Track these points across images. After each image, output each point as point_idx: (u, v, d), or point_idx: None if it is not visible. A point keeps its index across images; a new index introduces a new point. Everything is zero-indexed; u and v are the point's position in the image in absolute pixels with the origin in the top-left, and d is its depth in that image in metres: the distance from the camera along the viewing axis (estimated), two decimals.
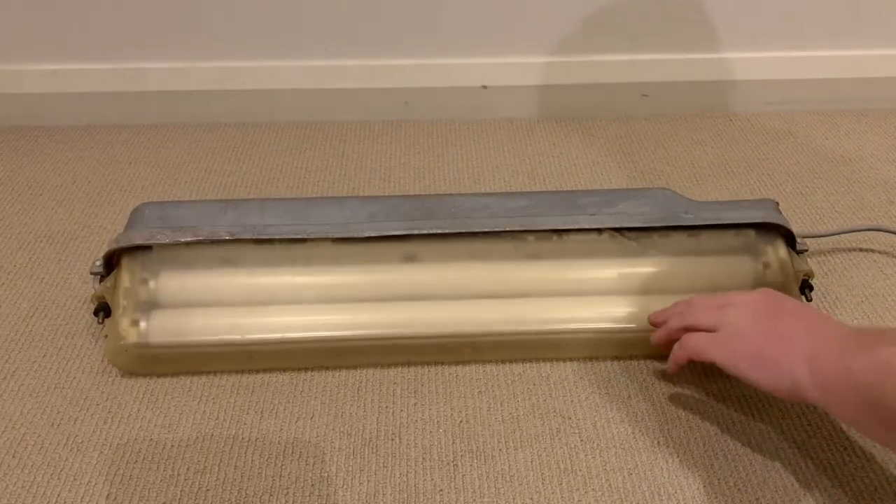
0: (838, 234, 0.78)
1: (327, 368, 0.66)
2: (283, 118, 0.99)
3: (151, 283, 0.65)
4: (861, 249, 0.78)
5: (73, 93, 0.96)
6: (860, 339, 0.50)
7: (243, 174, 0.90)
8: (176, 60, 0.96)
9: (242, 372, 0.65)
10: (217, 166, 0.91)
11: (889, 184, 0.88)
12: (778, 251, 0.67)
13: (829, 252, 0.78)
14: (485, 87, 0.98)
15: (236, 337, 0.64)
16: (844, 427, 0.61)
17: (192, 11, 0.92)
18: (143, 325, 0.64)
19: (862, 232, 0.79)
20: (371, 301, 0.66)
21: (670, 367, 0.61)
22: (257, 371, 0.65)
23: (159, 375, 0.65)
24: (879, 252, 0.78)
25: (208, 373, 0.65)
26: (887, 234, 0.79)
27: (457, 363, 0.66)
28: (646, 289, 0.66)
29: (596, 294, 0.67)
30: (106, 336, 0.64)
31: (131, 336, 0.63)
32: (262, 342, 0.64)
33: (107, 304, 0.65)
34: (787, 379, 0.52)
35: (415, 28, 0.95)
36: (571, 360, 0.66)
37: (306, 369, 0.66)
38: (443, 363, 0.66)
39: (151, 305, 0.65)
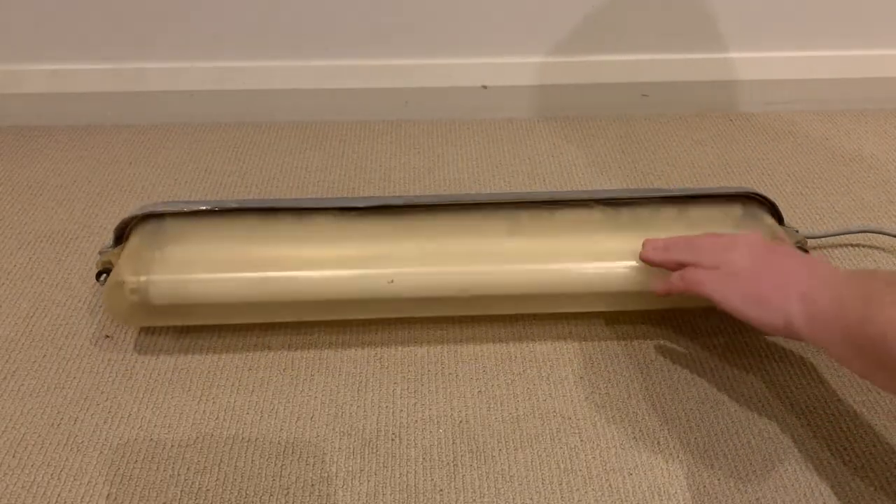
0: (836, 234, 0.78)
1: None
2: (283, 118, 0.99)
3: (157, 253, 0.66)
4: (861, 249, 0.78)
5: (73, 93, 0.96)
6: (854, 275, 0.52)
7: (243, 174, 0.90)
8: (176, 60, 0.96)
9: (242, 372, 0.65)
10: (217, 166, 0.91)
11: (889, 184, 0.88)
12: (765, 221, 0.69)
13: (828, 252, 0.78)
14: (485, 87, 0.98)
15: (237, 275, 0.64)
16: (845, 427, 0.61)
17: (192, 11, 0.92)
18: (143, 277, 0.64)
19: (862, 233, 0.79)
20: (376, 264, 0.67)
21: (660, 289, 0.61)
22: (258, 371, 0.65)
23: (158, 326, 0.66)
24: (879, 252, 0.78)
25: (209, 372, 0.65)
26: (887, 235, 0.79)
27: (457, 363, 0.66)
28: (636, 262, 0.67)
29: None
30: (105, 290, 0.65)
31: (130, 280, 0.63)
32: (265, 280, 0.64)
33: (111, 268, 0.66)
34: (780, 316, 0.53)
35: (415, 28, 0.95)
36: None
37: (306, 369, 0.66)
38: (443, 322, 0.67)
39: (156, 266, 0.65)
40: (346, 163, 0.92)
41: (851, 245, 0.78)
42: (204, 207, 0.68)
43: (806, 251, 0.68)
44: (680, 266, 0.60)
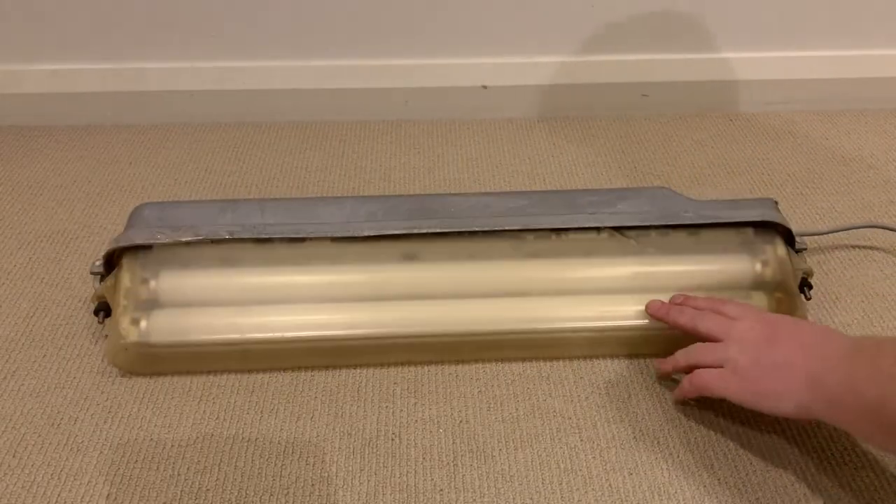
0: (836, 231, 0.78)
1: (327, 368, 0.66)
2: (283, 118, 0.99)
3: (152, 283, 0.65)
4: (860, 248, 0.78)
5: (73, 93, 0.96)
6: (859, 352, 0.52)
7: (243, 174, 0.90)
8: (176, 60, 0.96)
9: (242, 371, 0.65)
10: (217, 166, 0.91)
11: (889, 184, 0.88)
12: (776, 249, 0.67)
13: (828, 251, 0.78)
14: (485, 87, 0.98)
15: (236, 336, 0.64)
16: None
17: (192, 11, 0.92)
18: (143, 324, 0.64)
19: (861, 231, 0.79)
20: (371, 300, 0.66)
21: (677, 398, 0.62)
22: (257, 371, 0.65)
23: (159, 375, 0.65)
24: (879, 251, 0.78)
25: (208, 372, 0.65)
26: (887, 232, 0.79)
27: (457, 363, 0.66)
28: (645, 287, 0.66)
29: (595, 293, 0.67)
30: (107, 336, 0.65)
31: (132, 335, 0.63)
32: (262, 341, 0.64)
33: (107, 303, 0.65)
34: (790, 404, 0.54)
35: (415, 28, 0.95)
36: (572, 359, 0.66)
37: (306, 369, 0.66)
38: (443, 363, 0.66)
39: (152, 304, 0.65)
40: (346, 163, 0.92)
41: (851, 241, 0.78)
42: (192, 238, 0.66)
43: (810, 285, 0.68)
44: (687, 368, 0.60)
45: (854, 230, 0.79)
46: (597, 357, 0.66)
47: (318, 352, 0.65)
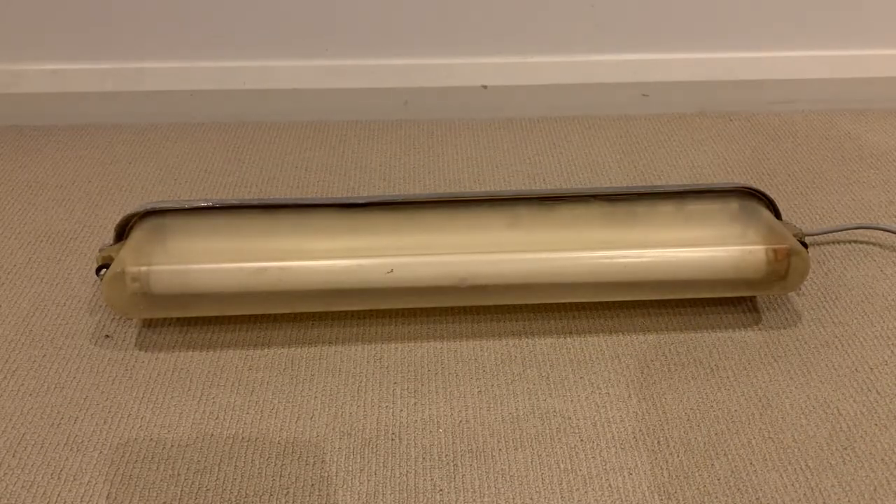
0: (835, 231, 0.78)
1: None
2: (283, 118, 0.99)
3: (158, 247, 0.66)
4: (860, 249, 0.78)
5: (73, 93, 0.96)
6: None
7: (243, 174, 0.90)
8: (176, 60, 0.96)
9: (242, 371, 0.65)
10: (217, 166, 0.91)
11: (889, 183, 0.88)
12: (762, 214, 0.69)
13: (828, 251, 0.78)
14: (485, 87, 0.98)
15: (238, 265, 0.64)
16: (845, 427, 0.61)
17: (192, 11, 0.92)
18: (144, 265, 0.64)
19: (861, 231, 0.79)
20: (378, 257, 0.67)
21: None
22: (258, 371, 0.65)
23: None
24: (879, 251, 0.78)
25: (209, 372, 0.65)
26: (887, 233, 0.79)
27: (457, 364, 0.66)
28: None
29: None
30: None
31: (131, 269, 0.63)
32: (265, 270, 0.64)
33: (111, 263, 0.65)
34: None
35: (415, 28, 0.95)
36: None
37: (306, 368, 0.66)
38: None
39: (158, 256, 0.66)
40: (346, 163, 0.92)
41: (850, 241, 0.79)
42: (205, 204, 0.68)
43: (805, 245, 0.69)
44: None
45: (854, 230, 0.79)
46: (597, 357, 0.67)
47: (322, 294, 0.65)
